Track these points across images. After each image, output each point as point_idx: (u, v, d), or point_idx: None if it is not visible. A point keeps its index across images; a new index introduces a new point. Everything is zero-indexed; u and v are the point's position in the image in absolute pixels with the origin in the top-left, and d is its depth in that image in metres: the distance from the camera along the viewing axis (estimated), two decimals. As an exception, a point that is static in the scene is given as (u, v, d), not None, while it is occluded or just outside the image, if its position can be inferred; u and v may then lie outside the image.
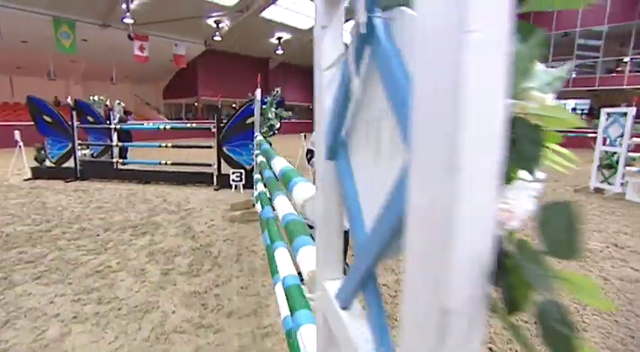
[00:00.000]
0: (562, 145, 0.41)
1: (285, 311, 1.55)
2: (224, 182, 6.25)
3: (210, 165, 6.54)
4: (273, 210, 2.22)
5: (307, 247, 1.04)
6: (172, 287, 2.66)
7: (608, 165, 6.59)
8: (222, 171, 6.34)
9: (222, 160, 6.36)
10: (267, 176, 2.37)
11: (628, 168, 6.34)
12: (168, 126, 7.50)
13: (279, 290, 1.76)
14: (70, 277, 2.83)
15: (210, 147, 6.61)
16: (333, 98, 0.64)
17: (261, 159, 3.38)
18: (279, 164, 1.55)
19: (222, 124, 6.29)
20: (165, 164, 6.79)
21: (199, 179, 6.60)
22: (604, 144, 6.68)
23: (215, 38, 17.73)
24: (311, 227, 0.80)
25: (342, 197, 0.66)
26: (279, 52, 21.45)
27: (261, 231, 2.72)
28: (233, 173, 6.16)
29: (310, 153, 2.55)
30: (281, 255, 1.78)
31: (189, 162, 6.83)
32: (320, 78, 0.68)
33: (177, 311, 2.36)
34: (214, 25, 17.16)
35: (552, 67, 0.41)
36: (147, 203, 5.22)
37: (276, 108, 4.33)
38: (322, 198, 0.70)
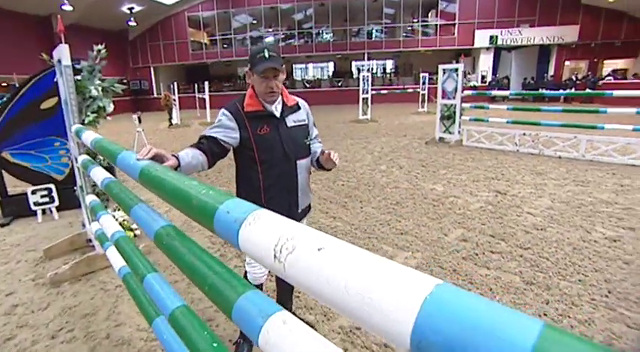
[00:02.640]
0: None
1: None
2: (18, 209, 3.90)
3: (-19, 186, 3.96)
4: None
5: None
6: None
7: (448, 116, 7.42)
8: (11, 191, 3.92)
9: (5, 174, 3.91)
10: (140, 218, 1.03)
11: (463, 117, 7.29)
12: None
13: None
14: None
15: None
16: None
17: (100, 173, 1.81)
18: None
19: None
20: None
21: (-36, 212, 3.94)
22: (443, 97, 7.44)
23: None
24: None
25: None
26: (67, 7, 15.92)
27: (148, 320, 1.36)
28: (34, 191, 3.88)
29: (206, 140, 1.54)
30: None
31: None
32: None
33: None
34: None
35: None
36: None
37: (102, 80, 2.51)
38: None
